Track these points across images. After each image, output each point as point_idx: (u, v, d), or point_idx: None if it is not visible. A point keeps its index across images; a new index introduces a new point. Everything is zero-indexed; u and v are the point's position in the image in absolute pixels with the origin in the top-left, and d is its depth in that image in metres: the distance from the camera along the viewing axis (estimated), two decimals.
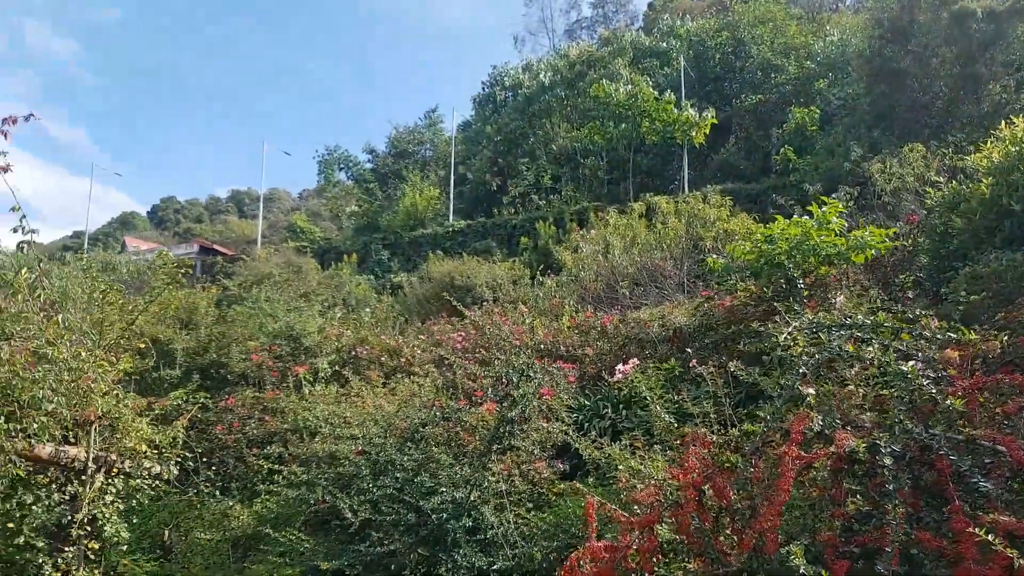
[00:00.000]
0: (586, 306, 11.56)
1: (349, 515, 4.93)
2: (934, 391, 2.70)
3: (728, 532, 2.62)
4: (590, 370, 8.28)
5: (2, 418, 5.51)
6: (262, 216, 35.27)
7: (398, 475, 5.29)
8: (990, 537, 2.05)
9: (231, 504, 9.37)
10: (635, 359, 6.42)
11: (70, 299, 6.41)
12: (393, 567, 5.15)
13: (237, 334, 13.08)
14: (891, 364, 2.90)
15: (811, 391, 2.84)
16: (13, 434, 5.61)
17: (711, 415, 3.97)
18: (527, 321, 8.91)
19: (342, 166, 33.40)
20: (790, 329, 3.36)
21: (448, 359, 9.35)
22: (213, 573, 8.82)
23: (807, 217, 7.54)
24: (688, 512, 2.56)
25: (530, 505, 5.94)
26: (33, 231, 4.02)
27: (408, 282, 17.51)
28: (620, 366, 5.97)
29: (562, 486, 6.41)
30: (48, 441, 6.21)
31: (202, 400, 8.77)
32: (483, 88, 32.43)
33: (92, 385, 6.25)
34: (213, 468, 9.68)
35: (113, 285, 6.99)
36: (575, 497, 6.33)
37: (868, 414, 2.72)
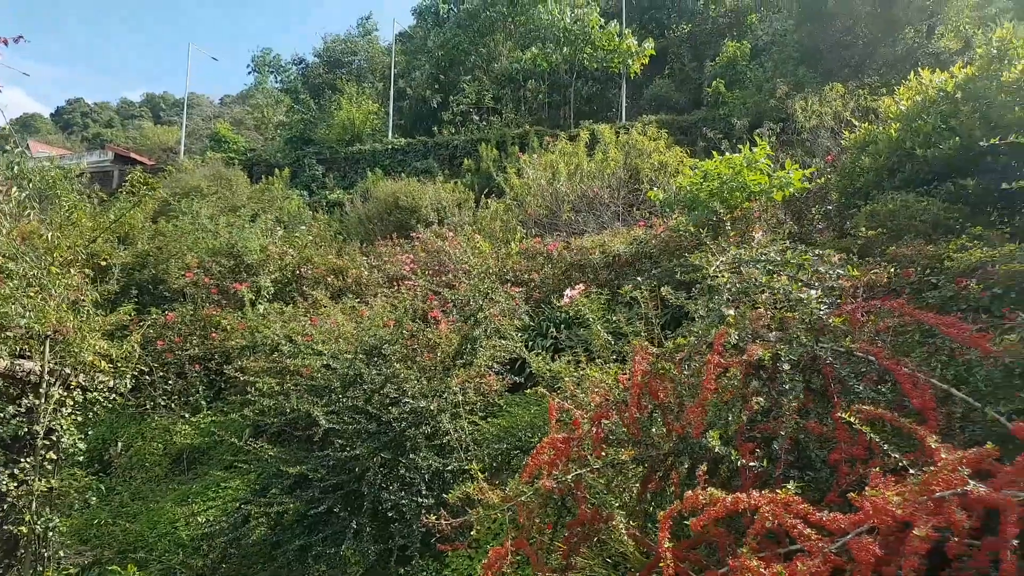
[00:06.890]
0: (529, 230, 12.01)
1: (323, 421, 5.39)
2: (822, 313, 3.41)
3: (660, 424, 3.30)
4: (536, 294, 8.84)
5: None
6: (185, 123, 33.59)
7: (365, 387, 5.77)
8: (854, 421, 2.75)
9: (182, 416, 9.64)
10: (582, 284, 7.01)
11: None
12: (357, 469, 5.70)
13: (175, 250, 12.89)
14: (793, 292, 3.60)
15: (731, 312, 3.49)
16: None
17: (642, 334, 4.64)
18: (477, 246, 9.33)
19: (272, 70, 32.01)
20: (717, 263, 4.00)
21: (398, 281, 9.75)
22: (153, 487, 9.09)
23: (738, 154, 8.17)
24: (632, 408, 3.19)
25: (481, 415, 6.60)
26: None
27: (349, 200, 17.45)
28: (569, 291, 6.55)
29: (509, 398, 7.14)
30: (6, 355, 6.33)
31: (154, 317, 8.89)
32: None
33: (52, 302, 6.34)
34: (161, 384, 9.85)
35: (81, 199, 6.89)
36: (522, 407, 7.08)
37: (773, 332, 3.39)
